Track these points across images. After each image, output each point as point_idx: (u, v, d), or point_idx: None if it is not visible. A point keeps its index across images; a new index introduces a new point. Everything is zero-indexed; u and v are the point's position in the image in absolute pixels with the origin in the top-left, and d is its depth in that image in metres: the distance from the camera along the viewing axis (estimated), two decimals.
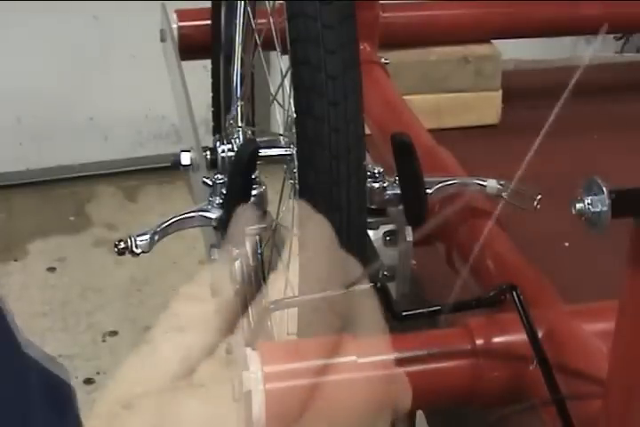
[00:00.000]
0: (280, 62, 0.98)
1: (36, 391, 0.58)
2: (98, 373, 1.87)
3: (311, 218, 0.44)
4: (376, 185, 0.92)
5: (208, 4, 1.29)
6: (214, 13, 1.25)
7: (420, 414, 1.06)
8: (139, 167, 2.51)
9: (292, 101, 0.85)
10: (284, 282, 0.43)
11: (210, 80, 1.31)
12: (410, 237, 0.93)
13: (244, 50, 1.22)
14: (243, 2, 1.19)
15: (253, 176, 0.89)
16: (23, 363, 0.57)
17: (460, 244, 1.05)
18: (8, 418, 0.55)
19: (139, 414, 0.39)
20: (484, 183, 1.01)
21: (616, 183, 0.60)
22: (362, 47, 1.29)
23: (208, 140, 1.18)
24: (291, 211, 1.01)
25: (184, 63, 1.30)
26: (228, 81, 1.25)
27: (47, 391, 0.59)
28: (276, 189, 1.03)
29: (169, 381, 0.43)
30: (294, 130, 0.79)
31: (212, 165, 1.09)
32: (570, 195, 0.62)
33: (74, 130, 2.46)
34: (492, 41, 1.59)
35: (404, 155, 0.88)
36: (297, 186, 0.84)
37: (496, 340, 0.87)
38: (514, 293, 0.86)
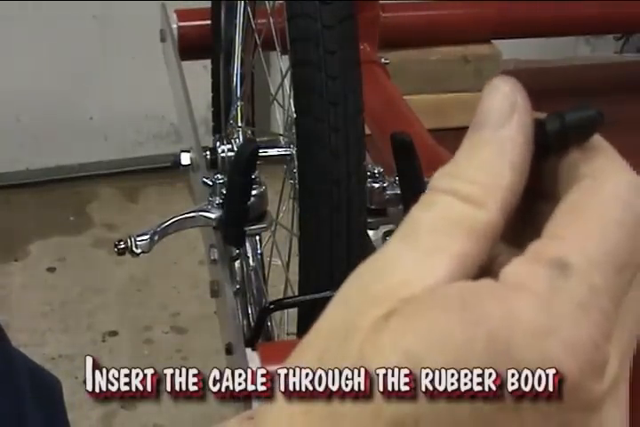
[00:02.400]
0: (280, 62, 0.98)
1: (26, 390, 0.58)
2: None
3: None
4: (376, 185, 0.92)
5: (208, 4, 1.29)
6: (214, 13, 1.25)
7: None
8: (139, 167, 2.51)
9: (291, 101, 0.85)
10: None
11: (210, 80, 1.31)
12: None
13: (243, 50, 1.22)
14: (243, 2, 1.19)
15: (253, 176, 0.89)
16: (13, 363, 0.57)
17: None
18: (2, 416, 0.55)
19: None
20: None
21: None
22: (362, 47, 1.29)
23: (208, 140, 1.18)
24: (290, 211, 1.01)
25: (184, 63, 1.30)
26: (227, 81, 1.25)
27: (36, 390, 0.59)
28: (276, 189, 1.03)
29: None
30: (294, 130, 0.79)
31: (212, 165, 1.09)
32: None
33: (73, 130, 2.46)
34: (492, 41, 1.59)
35: (404, 154, 0.88)
36: (297, 186, 0.84)
37: None
38: None
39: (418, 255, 0.30)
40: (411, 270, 0.30)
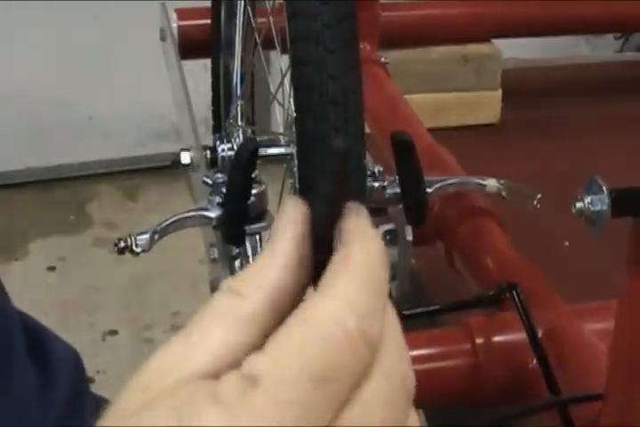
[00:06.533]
0: (280, 61, 0.98)
1: (17, 330, 0.59)
2: (98, 372, 1.87)
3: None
4: (376, 184, 0.92)
5: (208, 3, 1.29)
6: (214, 12, 1.25)
7: (419, 413, 1.06)
8: (139, 166, 2.51)
9: (291, 100, 0.85)
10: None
11: (210, 79, 1.31)
12: (410, 237, 0.93)
13: (244, 49, 1.22)
14: (243, 1, 1.19)
15: (253, 175, 0.88)
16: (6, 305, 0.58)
17: (460, 243, 1.05)
18: None
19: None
20: (484, 182, 1.01)
21: (616, 183, 0.60)
22: (362, 46, 1.29)
23: (208, 139, 1.18)
24: None
25: (184, 62, 1.30)
26: (227, 80, 1.25)
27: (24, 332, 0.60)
28: (276, 188, 1.03)
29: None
30: (294, 129, 0.79)
31: (212, 163, 1.09)
32: (570, 194, 0.62)
33: (73, 129, 2.46)
34: (492, 40, 1.59)
35: (404, 153, 0.88)
36: (297, 185, 0.84)
37: (496, 339, 0.87)
38: (514, 292, 0.86)
39: (184, 348, 0.34)
40: (171, 362, 0.34)
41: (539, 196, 0.98)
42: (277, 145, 1.01)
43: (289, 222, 0.38)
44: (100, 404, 0.66)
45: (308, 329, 0.33)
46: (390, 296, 0.87)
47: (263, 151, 0.96)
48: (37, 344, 0.61)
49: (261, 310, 0.35)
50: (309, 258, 0.37)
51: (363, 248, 0.36)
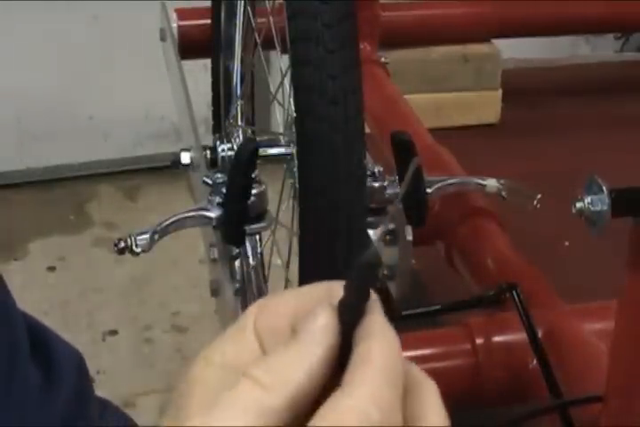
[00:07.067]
0: (280, 61, 0.98)
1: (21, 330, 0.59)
2: (98, 372, 1.86)
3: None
4: (376, 184, 0.92)
5: (208, 3, 1.29)
6: (214, 12, 1.25)
7: None
8: (139, 166, 2.51)
9: (291, 101, 0.85)
10: None
11: (210, 79, 1.31)
12: (410, 237, 0.93)
13: (244, 49, 1.22)
14: (243, 1, 1.19)
15: (253, 175, 0.89)
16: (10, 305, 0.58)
17: (460, 243, 1.05)
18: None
19: None
20: (484, 182, 1.01)
21: (616, 183, 0.60)
22: (362, 46, 1.29)
23: (208, 140, 1.18)
24: (291, 210, 1.01)
25: (184, 63, 1.30)
26: (227, 80, 1.25)
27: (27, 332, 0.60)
28: (276, 188, 1.03)
29: None
30: (294, 129, 0.79)
31: (212, 164, 1.09)
32: (570, 194, 0.62)
33: (73, 129, 2.45)
34: (492, 40, 1.59)
35: (404, 153, 0.88)
36: (297, 185, 0.84)
37: (496, 339, 0.87)
38: (514, 292, 0.86)
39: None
40: None
41: (539, 196, 0.98)
42: (277, 145, 1.01)
43: (325, 331, 0.40)
44: (103, 405, 0.66)
45: (339, 419, 0.36)
46: (391, 297, 0.87)
47: (263, 151, 0.96)
48: (40, 344, 0.61)
49: (282, 405, 0.37)
50: (335, 362, 0.39)
51: (382, 346, 0.39)
